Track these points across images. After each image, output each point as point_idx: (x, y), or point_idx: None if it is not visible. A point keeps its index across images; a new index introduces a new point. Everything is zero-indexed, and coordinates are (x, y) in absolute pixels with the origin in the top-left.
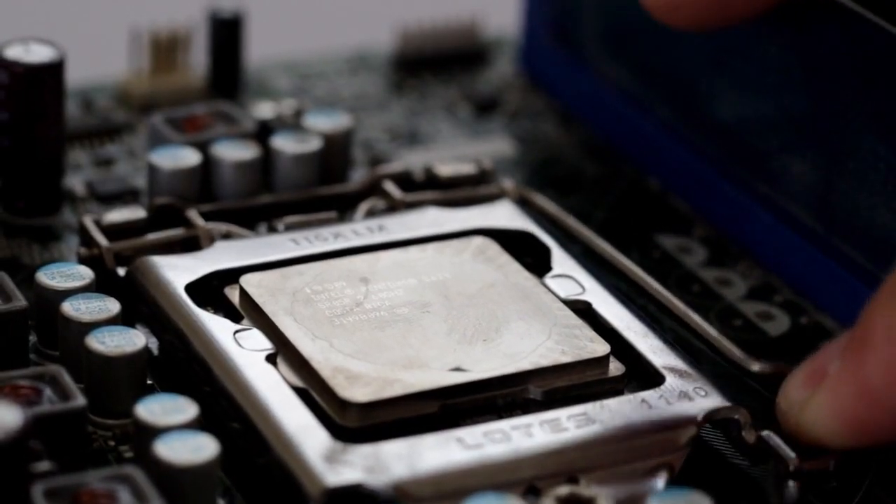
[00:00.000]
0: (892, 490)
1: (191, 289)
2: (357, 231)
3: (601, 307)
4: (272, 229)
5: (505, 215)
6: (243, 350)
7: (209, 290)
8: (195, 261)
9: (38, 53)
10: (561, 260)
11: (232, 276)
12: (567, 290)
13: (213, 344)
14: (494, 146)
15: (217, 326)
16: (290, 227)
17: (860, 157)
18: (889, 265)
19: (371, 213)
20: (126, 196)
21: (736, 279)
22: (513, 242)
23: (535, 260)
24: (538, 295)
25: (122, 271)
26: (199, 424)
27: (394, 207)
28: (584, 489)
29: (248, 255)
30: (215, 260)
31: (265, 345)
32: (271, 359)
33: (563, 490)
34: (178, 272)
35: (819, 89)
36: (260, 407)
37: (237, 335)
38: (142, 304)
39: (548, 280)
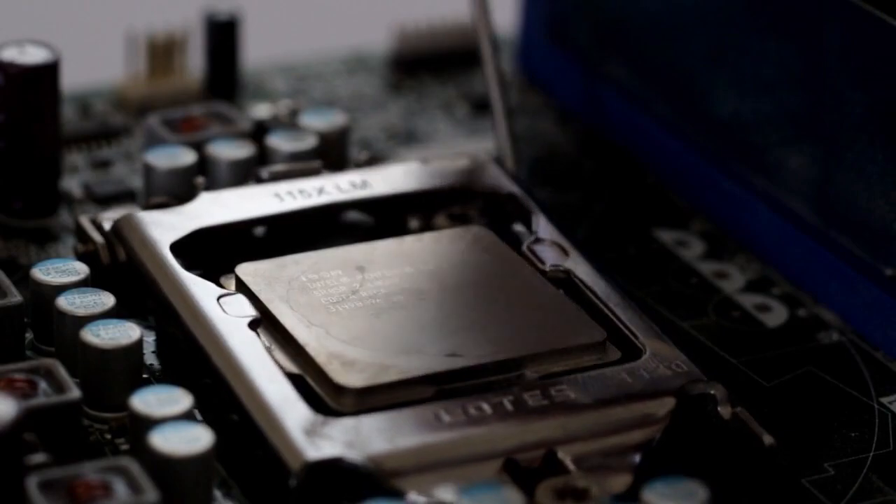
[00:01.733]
0: (888, 478)
1: (176, 247)
2: (340, 186)
3: (583, 276)
4: (258, 179)
5: (491, 177)
6: (227, 316)
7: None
8: (180, 217)
9: (33, 55)
10: (545, 225)
11: (216, 233)
12: (549, 256)
13: (196, 309)
14: (492, 144)
15: (201, 291)
16: (274, 177)
17: (858, 149)
18: (887, 257)
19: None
20: (123, 197)
21: (734, 272)
22: (497, 205)
23: (520, 222)
24: (534, 282)
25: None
26: (195, 415)
27: None
28: (578, 480)
29: (233, 209)
30: (200, 215)
31: (249, 311)
32: (254, 325)
33: (559, 482)
34: (162, 230)
35: (816, 82)
36: (242, 377)
37: (221, 300)
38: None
39: (531, 244)
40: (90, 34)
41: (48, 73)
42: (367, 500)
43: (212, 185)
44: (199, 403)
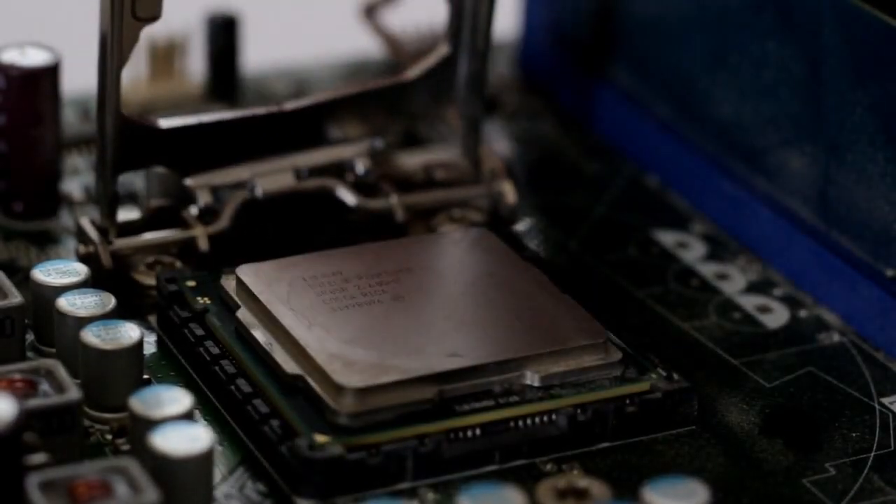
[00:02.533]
0: (889, 478)
1: None
2: None
3: None
4: None
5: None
6: None
7: None
8: None
9: (34, 57)
10: None
11: None
12: None
13: None
14: (493, 147)
15: None
16: None
17: (858, 149)
18: (887, 257)
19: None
20: (123, 200)
21: (735, 273)
22: None
23: None
24: (535, 283)
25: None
26: (194, 415)
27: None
28: (579, 480)
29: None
30: None
31: None
32: None
33: (560, 481)
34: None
35: (816, 83)
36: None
37: None
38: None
39: None
40: (91, 37)
41: (49, 75)
42: (368, 498)
43: None
44: (200, 403)
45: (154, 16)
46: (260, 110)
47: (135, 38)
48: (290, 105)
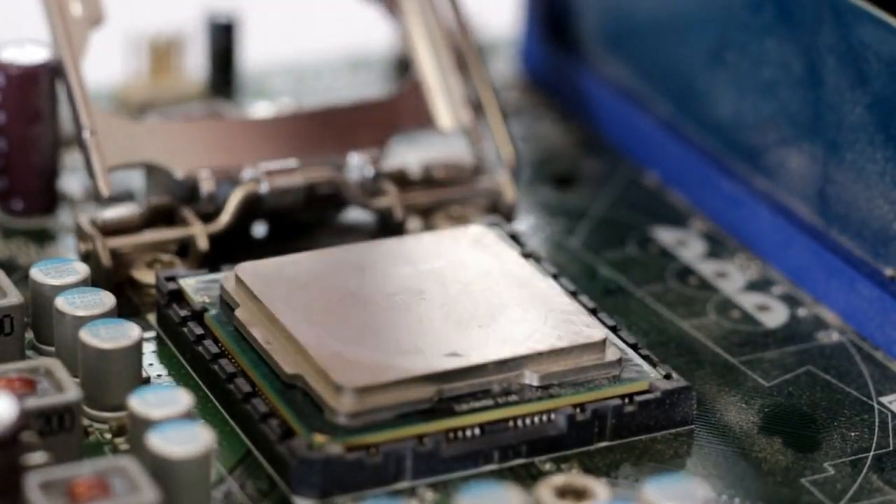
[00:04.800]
0: (888, 478)
1: None
2: None
3: None
4: None
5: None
6: None
7: None
8: None
9: (33, 55)
10: None
11: None
12: None
13: None
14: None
15: None
16: None
17: (858, 149)
18: (887, 257)
19: None
20: (123, 198)
21: (734, 272)
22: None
23: None
24: (534, 282)
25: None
26: (194, 415)
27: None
28: (578, 479)
29: None
30: None
31: None
32: None
33: (559, 480)
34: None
35: (816, 82)
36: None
37: None
38: None
39: None
40: (91, 34)
41: (48, 73)
42: (367, 497)
43: None
44: (199, 402)
45: None
46: (259, 112)
47: None
48: (284, 111)
